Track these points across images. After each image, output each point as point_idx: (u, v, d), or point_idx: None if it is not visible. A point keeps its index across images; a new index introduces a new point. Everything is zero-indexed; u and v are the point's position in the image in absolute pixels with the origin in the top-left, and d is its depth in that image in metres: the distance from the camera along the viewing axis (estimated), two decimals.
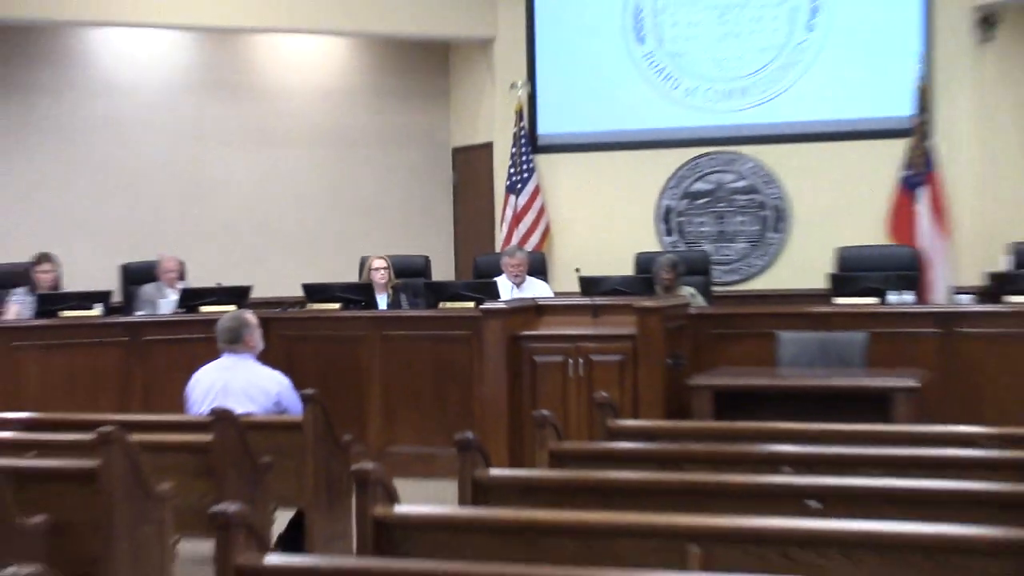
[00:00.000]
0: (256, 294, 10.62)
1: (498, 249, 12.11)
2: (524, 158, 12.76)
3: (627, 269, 11.13)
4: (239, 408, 6.89)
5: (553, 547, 4.29)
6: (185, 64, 13.33)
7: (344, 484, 6.89)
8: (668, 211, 12.83)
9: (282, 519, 7.17)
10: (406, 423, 10.08)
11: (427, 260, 12.28)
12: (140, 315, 10.67)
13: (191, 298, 10.50)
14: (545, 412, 6.40)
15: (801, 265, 12.09)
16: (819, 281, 10.53)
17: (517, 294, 10.48)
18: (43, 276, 10.64)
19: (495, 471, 5.26)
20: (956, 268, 11.72)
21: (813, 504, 4.78)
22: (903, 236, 11.70)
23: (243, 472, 6.57)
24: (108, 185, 12.86)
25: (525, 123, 12.87)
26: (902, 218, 11.82)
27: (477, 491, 5.08)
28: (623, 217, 12.76)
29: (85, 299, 10.30)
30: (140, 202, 12.88)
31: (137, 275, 11.40)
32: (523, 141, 12.80)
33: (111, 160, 12.91)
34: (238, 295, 10.30)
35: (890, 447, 6.10)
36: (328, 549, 6.88)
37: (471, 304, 9.89)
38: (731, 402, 8.23)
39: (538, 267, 11.57)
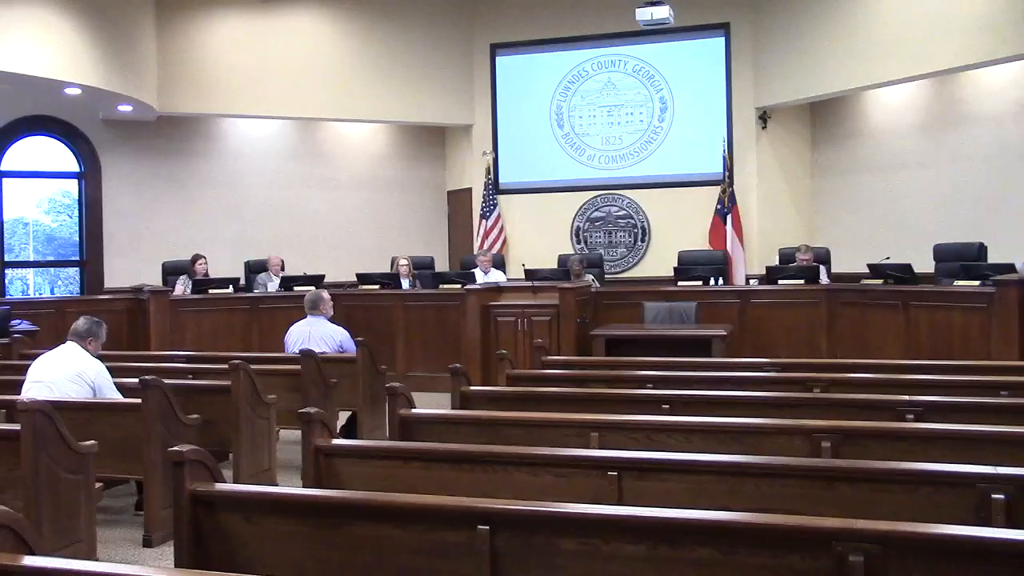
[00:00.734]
0: (328, 279, 10.56)
1: (475, 252, 12.10)
2: (491, 197, 12.73)
3: (553, 264, 11.13)
4: (317, 349, 6.89)
5: (509, 434, 4.37)
6: (282, 139, 13.21)
7: (382, 396, 6.71)
8: (578, 229, 12.81)
9: (342, 417, 7.19)
10: (419, 358, 10.08)
11: (432, 259, 12.29)
12: (256, 293, 10.62)
13: (288, 282, 10.48)
14: (504, 351, 6.49)
15: (658, 262, 12.07)
16: (668, 271, 10.47)
17: (485, 279, 10.47)
18: (198, 268, 10.67)
19: (474, 388, 5.34)
20: (748, 263, 11.79)
21: (664, 407, 4.83)
22: (718, 244, 11.73)
23: (319, 388, 6.59)
24: (237, 213, 12.75)
25: (492, 175, 12.83)
26: (717, 233, 11.85)
27: (463, 400, 5.19)
28: (551, 232, 12.70)
29: (223, 283, 10.28)
30: (256, 223, 12.76)
31: (255, 268, 11.31)
32: (490, 187, 12.75)
33: (238, 197, 12.82)
34: (316, 280, 10.26)
35: (710, 371, 6.15)
36: (371, 436, 6.86)
37: (459, 286, 9.89)
38: (616, 345, 8.28)
39: (499, 263, 11.56)
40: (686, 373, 5.95)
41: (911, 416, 4.38)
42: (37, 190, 12.56)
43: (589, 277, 10.38)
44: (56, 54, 9.39)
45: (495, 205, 12.73)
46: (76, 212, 12.31)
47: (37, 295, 12.28)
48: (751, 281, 10.90)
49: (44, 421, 4.18)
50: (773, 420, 4.26)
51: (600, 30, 12.49)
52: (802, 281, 9.38)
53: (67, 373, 5.34)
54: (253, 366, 5.90)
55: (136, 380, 5.19)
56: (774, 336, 9.18)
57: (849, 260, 10.63)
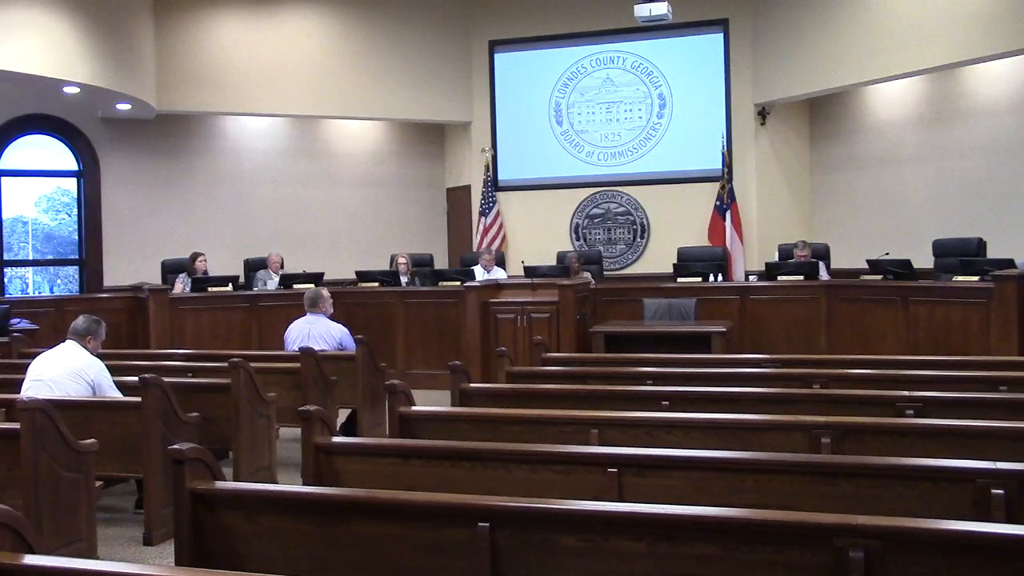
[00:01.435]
0: (327, 277, 10.54)
1: (475, 250, 12.08)
2: (490, 194, 12.72)
3: (553, 261, 11.13)
4: (317, 347, 6.88)
5: (509, 431, 4.35)
6: (281, 137, 13.19)
7: (382, 393, 6.69)
8: (577, 226, 12.80)
9: (342, 415, 7.19)
10: (419, 355, 10.06)
11: (432, 256, 12.27)
12: (256, 290, 10.60)
13: (287, 280, 10.43)
14: (503, 348, 6.48)
15: (657, 258, 12.06)
16: (668, 268, 10.42)
17: (485, 277, 10.46)
18: (197, 266, 10.61)
19: (473, 385, 5.31)
20: (747, 260, 11.79)
21: (664, 403, 4.83)
22: (717, 240, 11.72)
23: (319, 386, 6.58)
24: (236, 211, 12.74)
25: (491, 172, 12.81)
26: (716, 230, 11.84)
27: (463, 397, 5.16)
28: (550, 229, 12.69)
29: (222, 280, 10.23)
30: (255, 221, 12.75)
31: (254, 265, 11.29)
32: (489, 184, 12.75)
33: (238, 196, 12.80)
34: (316, 278, 10.23)
35: (710, 368, 6.17)
36: (371, 434, 6.87)
37: (458, 283, 9.88)
38: (616, 342, 8.28)
39: (499, 260, 11.56)
40: (686, 370, 5.97)
41: (911, 412, 4.38)
42: (36, 189, 12.55)
43: (586, 274, 10.38)
44: (54, 53, 9.37)
45: (494, 202, 12.73)
46: (75, 211, 12.31)
47: (36, 294, 12.29)
48: (750, 277, 10.91)
49: (44, 420, 4.18)
50: (773, 416, 4.26)
51: (598, 26, 12.49)
52: (801, 277, 9.38)
53: (67, 372, 5.34)
54: (253, 364, 5.90)
55: (136, 378, 5.18)
56: (774, 332, 9.18)
57: (848, 256, 10.63)
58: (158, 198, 12.39)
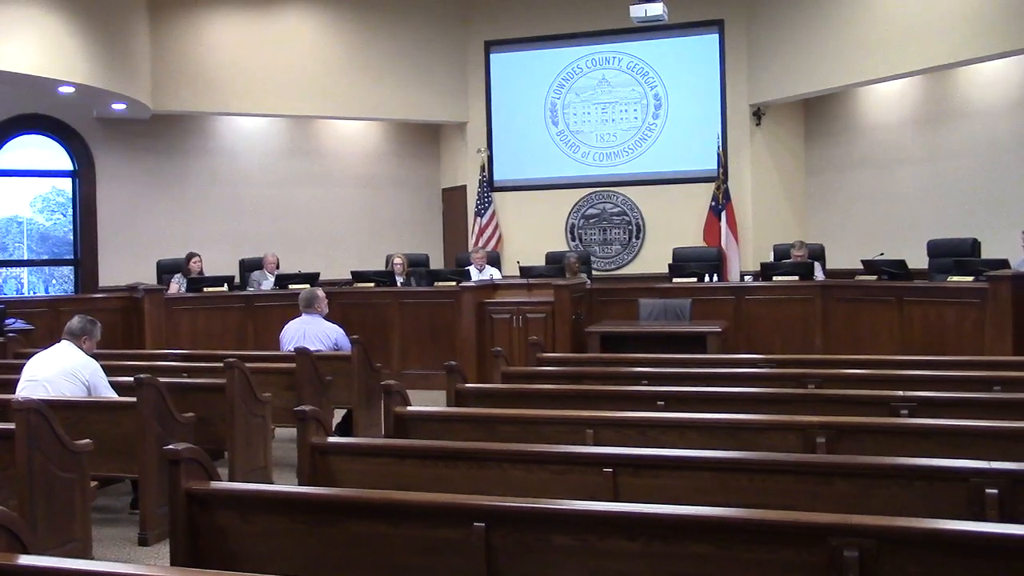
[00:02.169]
0: (323, 277, 10.52)
1: (470, 250, 12.09)
2: (485, 194, 12.71)
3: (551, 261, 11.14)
4: (312, 347, 6.87)
5: (504, 431, 4.35)
6: (277, 137, 13.20)
7: (377, 393, 6.77)
8: (572, 226, 12.81)
9: (338, 415, 7.15)
10: (415, 355, 10.02)
11: (427, 256, 12.21)
12: (251, 291, 10.59)
13: (283, 280, 10.43)
14: (499, 348, 6.49)
15: (652, 258, 12.06)
16: (663, 268, 10.41)
17: (479, 276, 10.45)
18: (192, 266, 10.60)
19: (469, 385, 5.34)
20: (743, 260, 11.80)
21: (659, 403, 4.84)
22: (713, 241, 11.73)
23: (314, 386, 6.55)
24: (231, 211, 12.74)
25: (486, 173, 12.80)
26: (712, 230, 11.86)
27: (458, 398, 5.17)
28: (545, 230, 12.69)
29: (218, 281, 10.20)
30: (251, 221, 12.74)
31: (250, 265, 11.30)
32: (485, 184, 12.74)
33: (233, 196, 12.79)
34: (311, 278, 10.20)
35: (705, 368, 6.19)
36: (366, 434, 6.83)
37: (454, 283, 9.86)
38: (611, 342, 8.29)
39: (494, 260, 11.55)
40: (681, 370, 5.97)
41: (905, 411, 4.39)
42: (31, 189, 12.54)
43: (582, 275, 10.37)
44: (49, 53, 9.35)
45: (490, 202, 12.72)
46: (70, 211, 12.29)
47: (31, 294, 12.27)
48: (746, 278, 10.92)
49: (39, 420, 4.18)
50: (768, 416, 4.26)
51: (594, 27, 12.49)
52: (797, 278, 9.38)
53: (62, 372, 5.33)
54: (248, 364, 5.90)
55: (131, 378, 5.18)
56: (769, 332, 9.18)
57: (844, 256, 10.64)
58: (154, 198, 12.38)
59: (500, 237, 12.72)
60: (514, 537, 2.74)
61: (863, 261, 9.21)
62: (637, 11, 10.23)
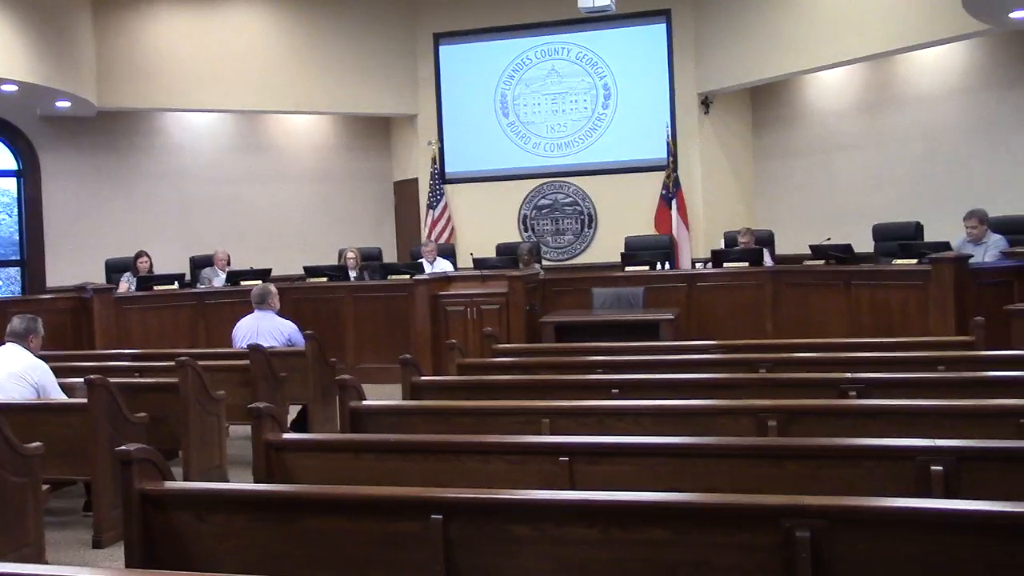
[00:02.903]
0: (275, 273, 10.46)
1: (422, 243, 12.05)
2: (437, 187, 12.68)
3: (503, 252, 11.14)
4: (265, 343, 6.84)
5: (460, 423, 4.36)
6: (226, 133, 13.05)
7: (332, 389, 6.70)
8: (525, 217, 12.82)
9: (293, 411, 7.14)
10: (369, 350, 9.99)
11: (380, 250, 12.15)
12: (202, 288, 10.47)
13: (234, 276, 10.34)
14: (454, 341, 6.48)
15: (605, 248, 12.10)
16: (616, 257, 10.48)
17: (431, 270, 10.44)
18: (142, 264, 10.47)
19: (424, 378, 5.32)
20: (694, 247, 11.90)
21: (614, 391, 4.86)
22: (664, 229, 11.79)
23: (269, 383, 6.52)
24: (181, 208, 12.57)
25: (438, 165, 12.77)
26: (663, 218, 11.92)
27: (414, 391, 5.15)
28: (498, 221, 12.68)
29: (168, 279, 10.09)
30: (200, 217, 12.59)
31: (200, 263, 11.19)
32: (436, 176, 12.70)
33: (182, 192, 12.63)
34: (263, 274, 10.14)
35: (659, 355, 6.21)
36: (322, 429, 6.82)
37: (407, 276, 9.85)
38: (565, 331, 8.31)
39: (448, 252, 11.51)
40: (635, 357, 6.04)
41: (853, 393, 4.46)
42: None
43: (536, 265, 10.39)
44: None
45: (442, 195, 12.69)
46: (15, 211, 12.03)
47: None
48: (697, 265, 11.00)
49: None
50: (721, 401, 4.32)
51: (543, 18, 12.48)
52: (747, 264, 9.48)
53: (10, 375, 5.24)
54: (201, 362, 5.86)
55: (81, 380, 5.10)
56: (720, 318, 9.25)
57: (792, 242, 10.77)
58: (101, 196, 12.18)
59: (453, 229, 12.69)
60: (472, 528, 2.74)
61: (811, 246, 9.33)
62: (585, 2, 10.22)
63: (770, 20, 11.11)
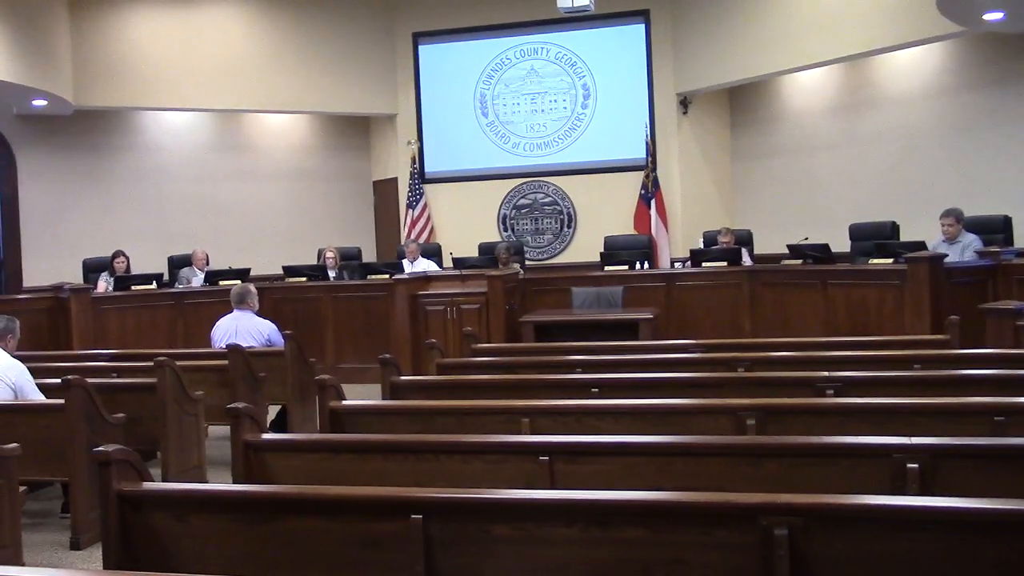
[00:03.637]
0: (254, 272, 10.40)
1: (403, 243, 12.02)
2: (416, 186, 12.66)
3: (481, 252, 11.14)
4: (244, 344, 6.81)
5: (440, 423, 4.35)
6: (204, 132, 12.96)
7: (311, 389, 6.73)
8: (504, 216, 12.82)
9: (272, 412, 7.08)
10: (349, 349, 9.98)
11: (360, 249, 12.14)
12: (181, 288, 10.40)
13: (213, 276, 10.30)
14: (433, 340, 6.48)
15: (584, 247, 12.10)
16: (595, 256, 10.51)
17: (412, 269, 10.42)
18: (119, 264, 10.38)
19: (404, 378, 5.31)
20: (673, 247, 11.93)
21: (594, 391, 4.86)
22: (643, 229, 11.84)
23: (248, 383, 6.50)
24: (158, 208, 12.49)
25: (417, 165, 12.76)
26: (642, 218, 11.97)
27: (394, 390, 5.14)
28: (478, 221, 12.68)
29: (146, 278, 10.01)
30: (179, 217, 12.51)
31: (178, 262, 11.11)
32: (416, 176, 12.69)
33: (160, 191, 12.55)
34: (242, 274, 10.09)
35: (638, 354, 6.24)
36: (302, 430, 6.78)
37: (387, 276, 9.83)
38: (545, 331, 8.32)
39: (431, 252, 11.48)
40: (614, 357, 6.03)
41: (831, 392, 4.49)
42: None
43: (515, 265, 10.39)
44: None
45: (421, 194, 12.67)
46: None
47: None
48: (676, 264, 11.02)
49: None
50: (699, 400, 4.33)
51: (522, 17, 12.48)
52: (725, 263, 9.50)
53: None
54: (179, 362, 5.81)
55: (59, 380, 5.06)
56: (699, 318, 9.27)
57: (770, 241, 10.82)
58: (78, 196, 12.08)
59: (432, 229, 12.67)
60: (452, 528, 2.74)
61: (788, 246, 9.37)
62: (564, 1, 10.23)
63: (748, 21, 11.16)
